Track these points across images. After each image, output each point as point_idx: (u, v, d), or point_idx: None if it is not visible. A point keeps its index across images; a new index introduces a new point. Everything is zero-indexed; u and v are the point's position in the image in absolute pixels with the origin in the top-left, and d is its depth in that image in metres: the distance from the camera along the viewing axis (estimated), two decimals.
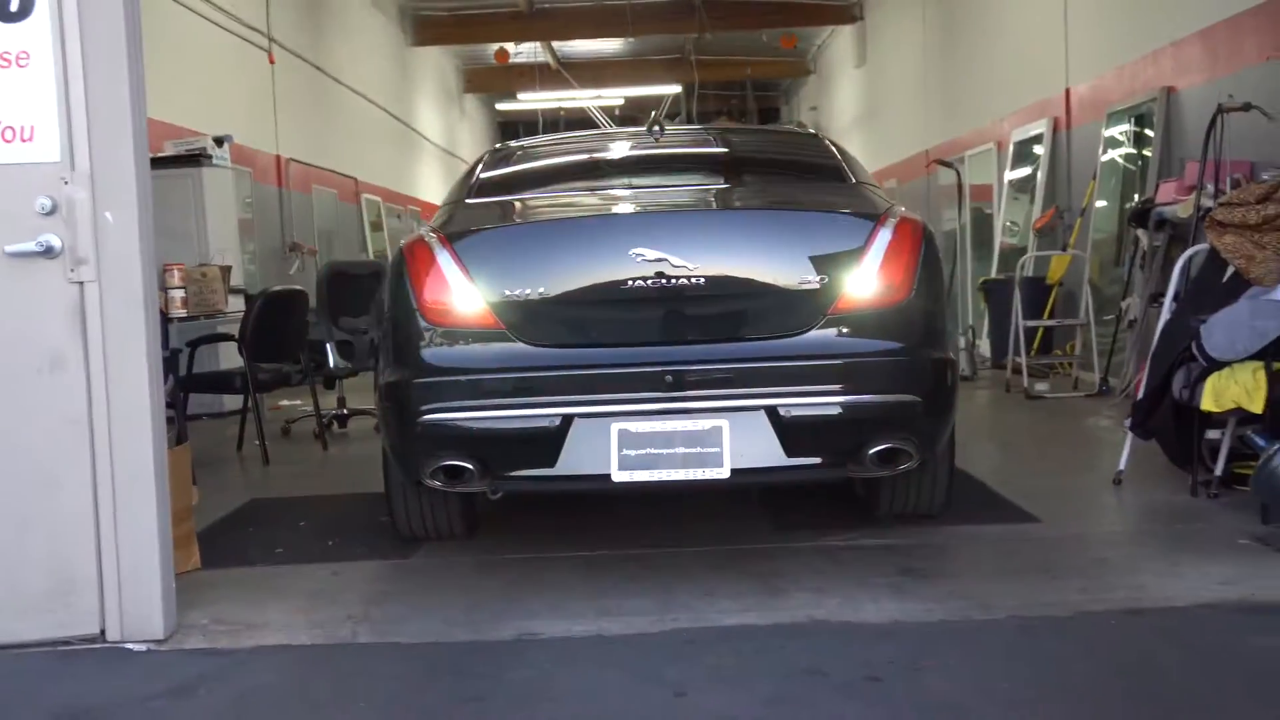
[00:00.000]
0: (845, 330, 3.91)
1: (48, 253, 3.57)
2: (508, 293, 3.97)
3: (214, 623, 3.74)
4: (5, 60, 3.60)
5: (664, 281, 3.88)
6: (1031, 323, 8.93)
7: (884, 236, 3.97)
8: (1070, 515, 4.78)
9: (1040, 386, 8.53)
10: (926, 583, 3.89)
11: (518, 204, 4.64)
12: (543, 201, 4.76)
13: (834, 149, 5.01)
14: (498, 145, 5.48)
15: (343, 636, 3.59)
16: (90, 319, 3.60)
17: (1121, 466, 5.21)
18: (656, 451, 3.86)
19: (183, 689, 3.21)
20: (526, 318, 3.96)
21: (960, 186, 10.91)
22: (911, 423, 3.90)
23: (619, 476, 3.85)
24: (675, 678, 3.12)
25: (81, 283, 3.59)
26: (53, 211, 3.57)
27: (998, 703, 2.90)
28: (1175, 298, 5.20)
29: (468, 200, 4.62)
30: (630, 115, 22.90)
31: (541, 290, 3.98)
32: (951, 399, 4.08)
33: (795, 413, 3.84)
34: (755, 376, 3.88)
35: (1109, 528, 4.69)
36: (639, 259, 3.89)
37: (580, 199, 4.72)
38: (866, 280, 3.94)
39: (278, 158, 11.92)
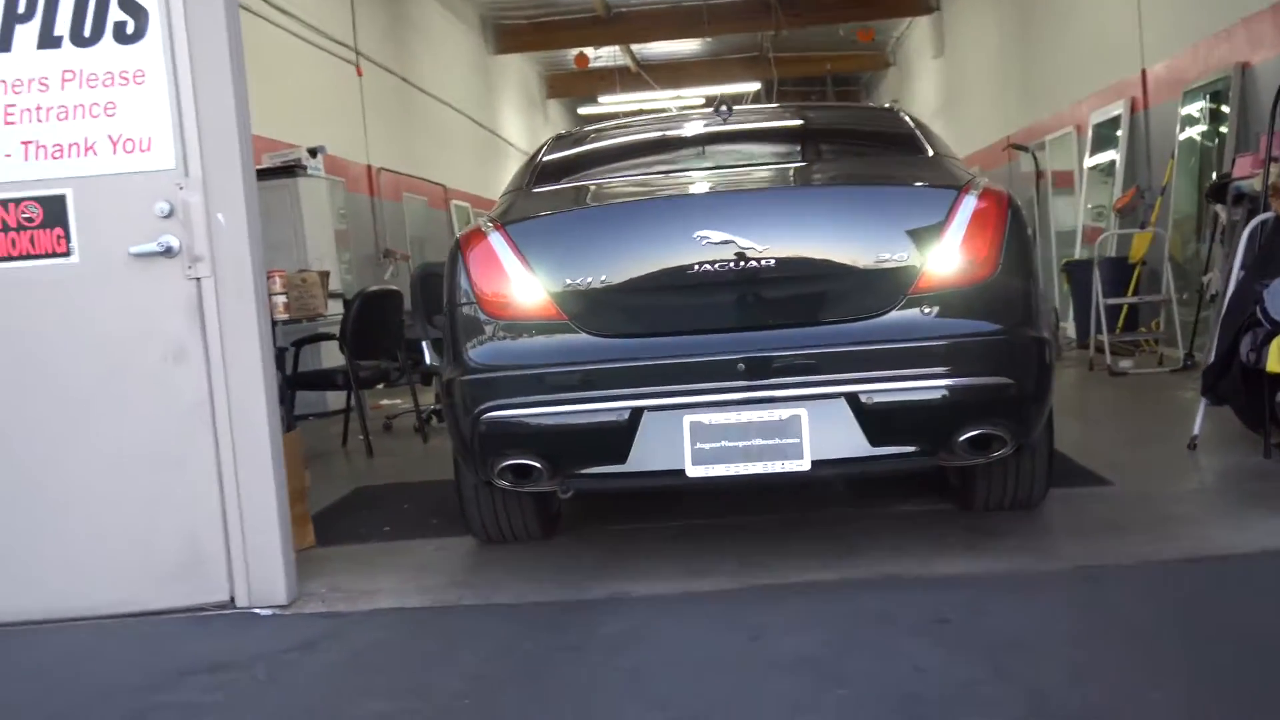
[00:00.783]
0: (928, 310, 3.70)
1: (167, 252, 3.91)
2: (569, 282, 3.84)
3: (331, 590, 4.05)
4: (124, 79, 3.94)
5: (731, 264, 3.72)
6: (1113, 300, 8.99)
7: (966, 209, 3.75)
8: (1143, 478, 4.91)
9: (1124, 364, 8.59)
10: (997, 540, 4.07)
11: (578, 189, 4.45)
12: (605, 186, 4.52)
13: (910, 122, 4.80)
14: (561, 132, 5.36)
15: (448, 600, 3.88)
16: (208, 312, 3.93)
17: (1196, 432, 5.32)
18: (732, 444, 3.70)
19: (308, 644, 3.51)
20: (589, 307, 3.82)
21: (1038, 170, 10.96)
22: (1004, 406, 3.70)
23: (693, 471, 3.72)
24: (753, 623, 3.35)
25: (198, 279, 3.93)
26: (170, 215, 3.91)
27: (1059, 639, 3.08)
28: (1243, 265, 5.30)
29: (528, 188, 4.48)
30: None
31: (604, 278, 3.84)
32: (1047, 380, 3.84)
33: (878, 399, 3.67)
34: (833, 361, 3.69)
35: (1180, 488, 4.81)
36: (704, 242, 3.73)
37: (644, 182, 4.52)
38: (949, 256, 3.73)
39: (369, 167, 12.34)
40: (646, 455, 3.75)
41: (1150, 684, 2.73)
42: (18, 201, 3.92)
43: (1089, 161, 11.40)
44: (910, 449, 3.79)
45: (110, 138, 3.92)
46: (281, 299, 7.12)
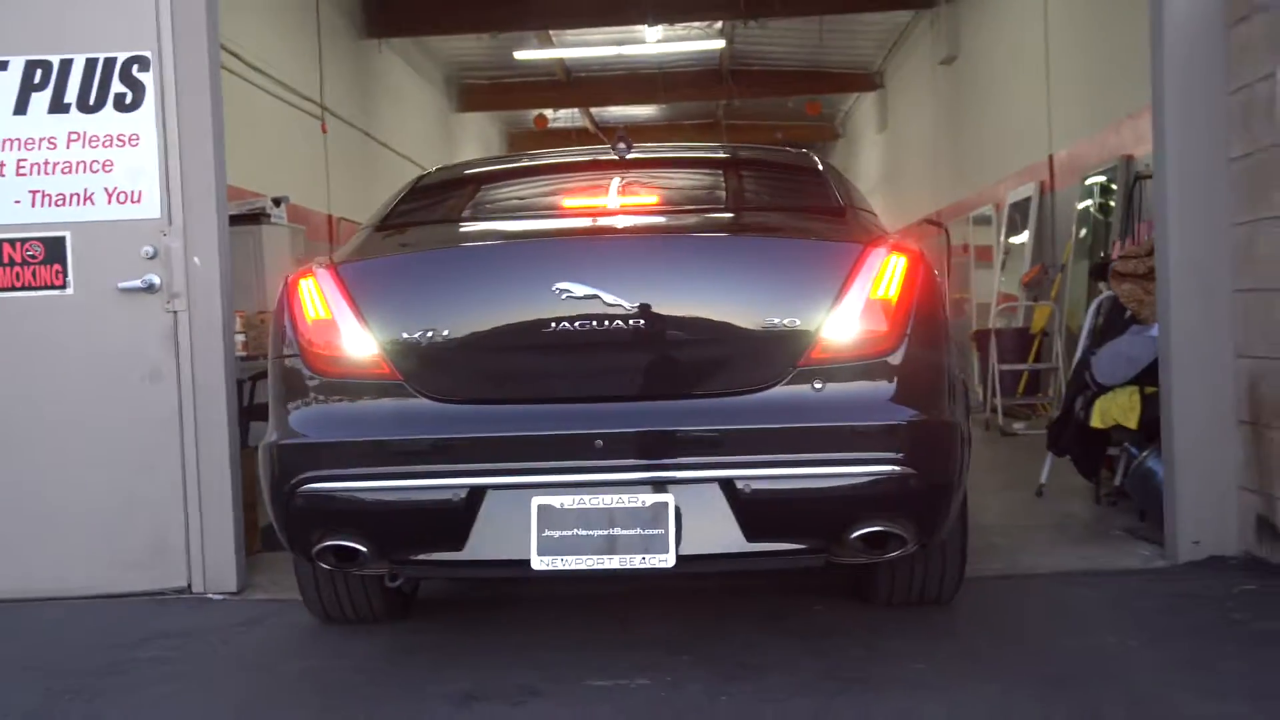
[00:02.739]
0: (819, 385, 3.29)
1: (150, 289, 4.66)
2: (405, 335, 3.40)
3: (272, 583, 4.77)
4: (121, 141, 4.71)
5: (594, 324, 3.29)
6: (1008, 367, 9.86)
7: (870, 269, 3.33)
8: (989, 517, 5.72)
9: (1017, 425, 9.44)
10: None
11: (427, 230, 4.01)
12: (460, 227, 4.05)
13: (822, 168, 4.30)
14: (433, 168, 4.77)
15: None
16: (181, 341, 4.68)
17: (1043, 480, 6.14)
18: (586, 533, 3.28)
19: (253, 621, 4.25)
20: (427, 366, 3.40)
21: (949, 245, 11.88)
22: (904, 500, 3.29)
23: (539, 564, 3.29)
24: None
25: (175, 312, 4.67)
26: (154, 256, 4.66)
27: (863, 624, 3.86)
28: (1089, 335, 6.14)
29: (377, 227, 4.02)
30: None
31: (446, 333, 3.40)
32: (956, 470, 3.44)
33: (756, 487, 3.26)
34: (708, 442, 3.30)
35: (1012, 524, 5.62)
36: (565, 295, 3.30)
37: (506, 224, 4.11)
38: (847, 323, 3.32)
39: (329, 216, 13.09)
40: (486, 542, 3.34)
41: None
42: (24, 241, 4.67)
43: (1007, 239, 12.35)
44: (794, 546, 3.39)
45: (106, 190, 4.68)
46: (240, 338, 7.82)
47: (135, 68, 4.69)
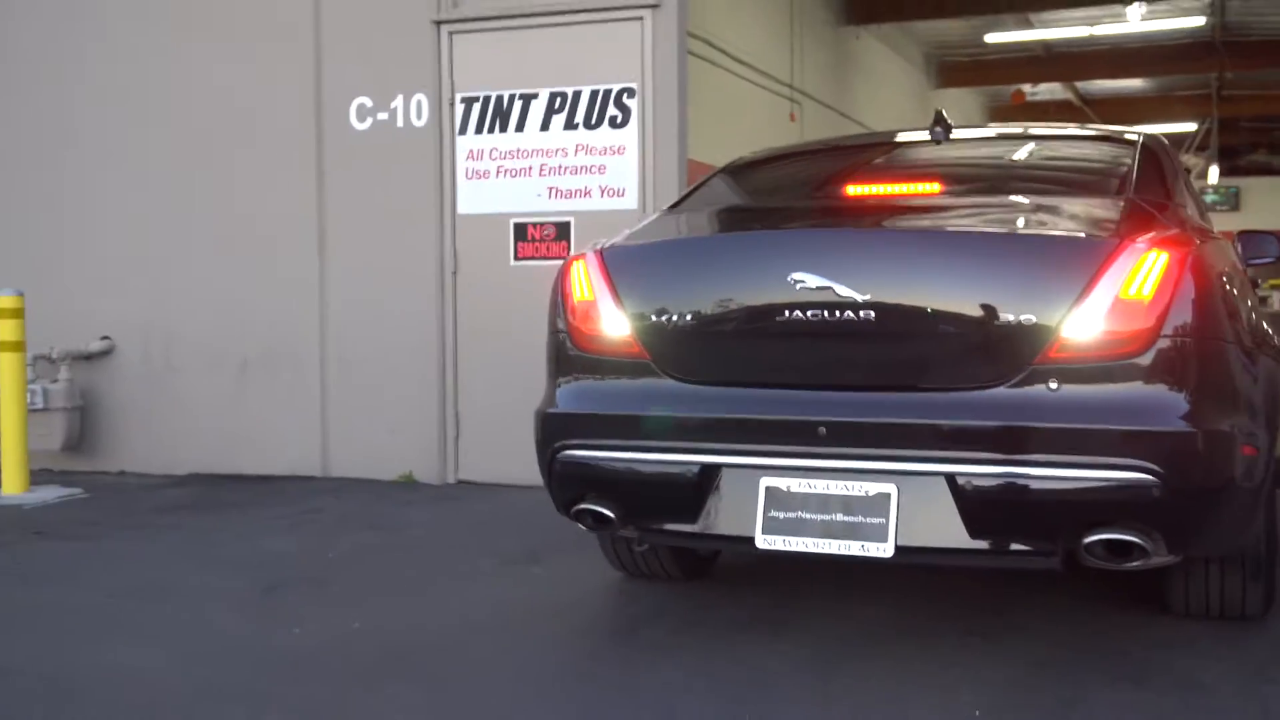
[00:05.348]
0: (1054, 385, 3.26)
1: None
2: (654, 319, 3.65)
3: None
4: (611, 151, 6.46)
5: (825, 314, 3.40)
6: None
7: (1121, 267, 3.26)
8: None
9: None
10: None
11: (695, 217, 4.21)
12: (723, 215, 4.24)
13: (1135, 156, 4.13)
14: (752, 154, 4.96)
15: None
16: None
17: None
18: (810, 516, 3.45)
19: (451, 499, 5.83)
20: (671, 348, 3.63)
21: None
22: (1141, 509, 3.22)
23: (763, 542, 3.49)
24: None
25: None
26: None
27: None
28: None
29: (667, 211, 4.37)
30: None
31: (689, 317, 3.62)
32: (1210, 482, 3.29)
33: (981, 483, 3.28)
34: (933, 435, 3.33)
35: None
36: (799, 285, 3.42)
37: (763, 213, 4.25)
38: (1089, 322, 3.26)
39: None
40: (717, 517, 3.58)
41: None
42: (542, 223, 6.53)
43: None
44: (1020, 546, 3.38)
45: (600, 187, 6.44)
46: None
47: (625, 95, 6.42)
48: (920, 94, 20.22)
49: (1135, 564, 3.33)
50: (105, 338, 7.57)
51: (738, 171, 4.73)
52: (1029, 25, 17.36)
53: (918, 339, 3.43)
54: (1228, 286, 3.62)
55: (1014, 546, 3.39)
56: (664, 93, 6.39)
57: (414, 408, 6.99)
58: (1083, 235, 3.50)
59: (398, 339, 6.94)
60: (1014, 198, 3.99)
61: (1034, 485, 3.27)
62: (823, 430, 3.43)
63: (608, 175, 6.44)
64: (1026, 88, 21.06)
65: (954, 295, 3.42)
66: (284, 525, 5.93)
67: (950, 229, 3.72)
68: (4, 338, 6.62)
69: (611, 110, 6.46)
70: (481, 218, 6.73)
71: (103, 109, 7.58)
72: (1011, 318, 3.32)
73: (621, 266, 3.78)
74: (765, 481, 3.51)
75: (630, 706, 3.37)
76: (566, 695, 3.54)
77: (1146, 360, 3.26)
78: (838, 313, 3.41)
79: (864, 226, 3.84)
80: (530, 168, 6.59)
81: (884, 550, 3.37)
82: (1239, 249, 4.89)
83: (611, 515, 3.71)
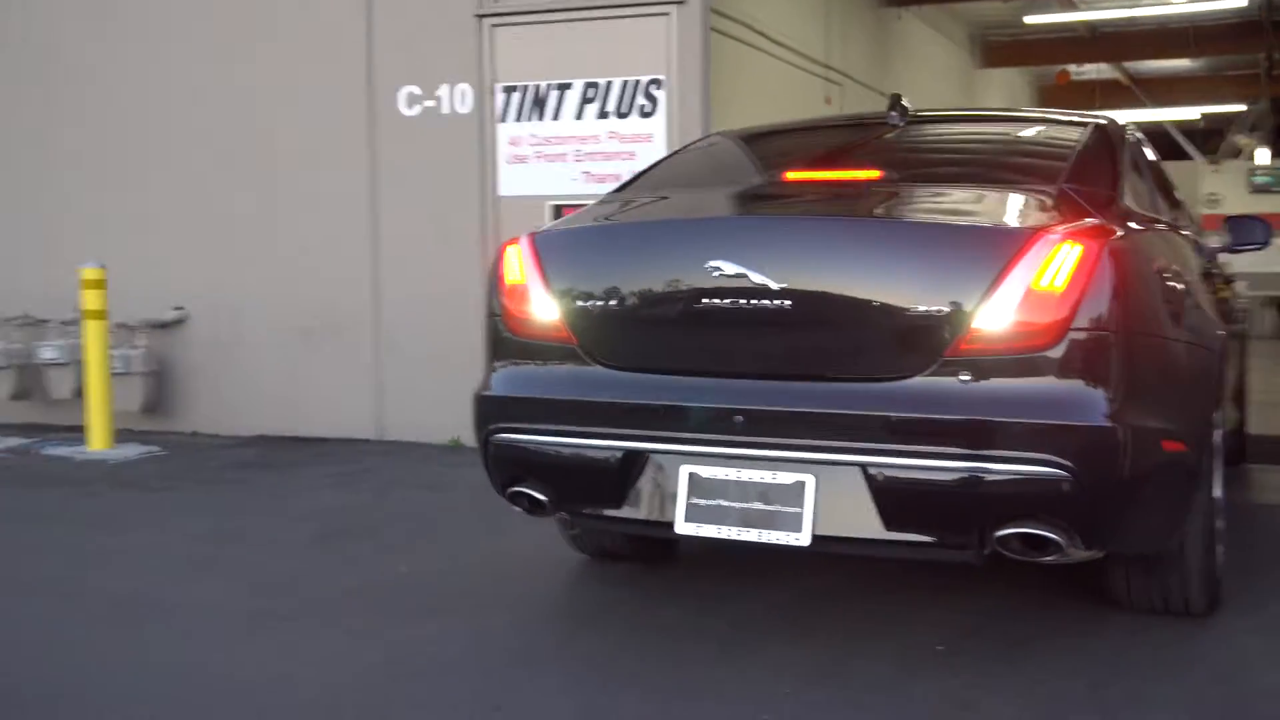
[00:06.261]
0: (966, 377, 3.26)
1: None
2: (579, 304, 3.72)
3: None
4: (640, 138, 7.04)
5: (743, 302, 3.45)
6: None
7: (1033, 259, 3.24)
8: None
9: None
10: None
11: (628, 202, 4.22)
12: (653, 201, 4.18)
13: (1080, 144, 4.14)
14: (713, 133, 5.11)
15: None
16: None
17: None
18: (729, 504, 3.50)
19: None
20: (597, 334, 3.71)
21: None
22: (1051, 503, 3.23)
23: (683, 528, 3.56)
24: None
25: None
26: None
27: None
28: None
29: (606, 196, 4.42)
30: (1212, 129, 23.99)
31: (612, 303, 3.68)
32: (1120, 478, 3.27)
33: (894, 475, 3.31)
34: (848, 426, 3.35)
35: None
36: (716, 273, 3.48)
37: (692, 200, 4.14)
38: (999, 314, 3.25)
39: None
40: (640, 502, 3.65)
41: None
42: (576, 205, 7.07)
43: None
44: (932, 538, 3.42)
45: (630, 172, 6.99)
46: None
47: (653, 86, 6.99)
48: (965, 74, 20.55)
49: (1051, 558, 3.34)
50: (179, 308, 8.25)
51: (693, 152, 4.90)
52: (1072, 6, 17.64)
53: (831, 328, 3.47)
54: (1159, 278, 3.65)
55: (926, 538, 3.42)
56: (689, 84, 6.94)
57: (460, 376, 7.52)
58: (995, 225, 3.51)
59: (444, 311, 7.56)
60: (945, 186, 4.01)
61: (944, 478, 3.28)
62: (739, 419, 3.47)
63: (637, 161, 7.00)
64: (1072, 68, 21.32)
65: (866, 285, 3.45)
66: (340, 482, 6.59)
67: (863, 217, 3.75)
68: (89, 306, 7.33)
69: (640, 100, 7.02)
70: (521, 199, 7.33)
71: (177, 99, 8.27)
72: (923, 308, 3.33)
73: (551, 251, 3.84)
74: (687, 468, 3.56)
75: (644, 632, 3.98)
76: (577, 628, 4.14)
77: (1058, 353, 3.24)
78: (754, 301, 3.45)
79: (780, 214, 3.90)
80: (565, 153, 7.18)
81: (800, 539, 3.42)
82: (1229, 236, 5.14)
83: (544, 499, 3.80)
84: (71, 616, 4.17)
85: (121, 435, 7.79)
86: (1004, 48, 20.64)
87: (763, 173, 4.55)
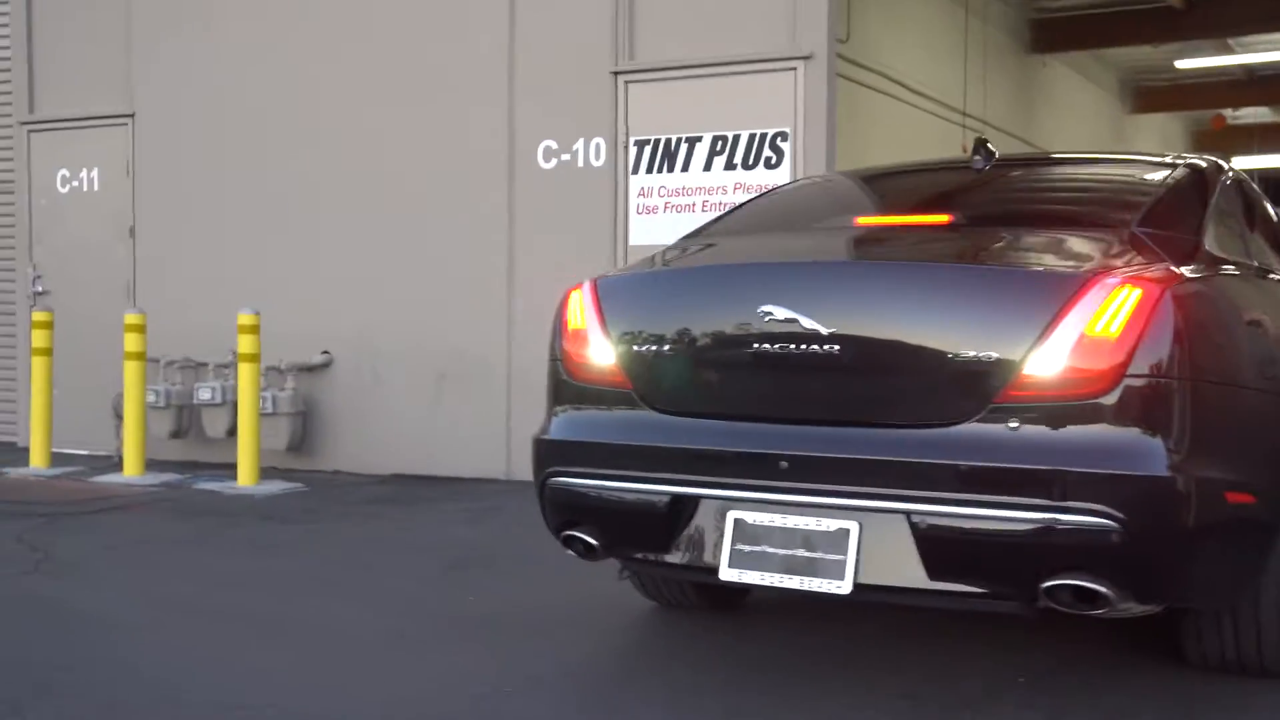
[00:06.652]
0: (1014, 425, 3.19)
1: None
2: (636, 348, 3.74)
3: None
4: (765, 188, 7.20)
5: (793, 347, 3.43)
6: None
7: (1089, 304, 3.18)
8: None
9: None
10: None
11: (691, 248, 4.23)
12: (716, 247, 4.18)
13: (1165, 186, 4.06)
14: (803, 177, 5.41)
15: None
16: None
17: None
18: (773, 550, 3.47)
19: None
20: (651, 379, 3.72)
21: None
22: (1105, 555, 3.13)
23: (726, 574, 3.53)
24: None
25: None
26: None
27: None
28: None
29: (676, 242, 4.43)
30: None
31: (667, 348, 3.70)
32: (1192, 530, 3.18)
33: (938, 523, 3.25)
34: (893, 473, 3.30)
35: None
36: (768, 318, 3.47)
37: (758, 245, 4.15)
38: (1051, 360, 3.18)
39: None
40: (688, 547, 3.65)
41: None
42: None
43: None
44: (978, 589, 3.34)
45: None
46: None
47: (779, 139, 7.19)
48: (1115, 121, 20.30)
49: (1102, 611, 3.23)
50: (325, 352, 8.69)
51: (777, 195, 4.94)
52: (1227, 50, 17.34)
53: (880, 374, 3.44)
54: (1237, 324, 3.59)
55: (971, 589, 3.34)
56: (813, 136, 7.12)
57: None
58: (1050, 269, 3.46)
59: None
60: (1012, 229, 3.87)
61: (990, 527, 3.21)
62: (784, 464, 3.44)
63: None
64: (1228, 112, 20.89)
65: (916, 329, 3.41)
66: (468, 518, 6.89)
67: (913, 261, 3.73)
68: (244, 350, 7.79)
69: (767, 152, 7.22)
70: (651, 248, 7.51)
71: (322, 153, 8.75)
72: (973, 354, 3.28)
73: (611, 296, 3.87)
74: (733, 514, 3.55)
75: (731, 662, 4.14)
76: (657, 661, 4.32)
77: (1111, 400, 3.16)
78: (804, 345, 3.44)
79: (831, 259, 3.89)
80: (694, 204, 7.41)
81: (841, 588, 3.37)
82: None
83: (595, 543, 3.80)
84: (216, 633, 4.50)
85: (268, 472, 8.21)
86: (1156, 93, 20.35)
87: (838, 216, 4.50)
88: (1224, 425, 3.37)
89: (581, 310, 3.89)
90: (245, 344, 7.80)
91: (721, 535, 3.56)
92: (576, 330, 3.89)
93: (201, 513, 7.08)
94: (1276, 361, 3.72)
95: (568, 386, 3.92)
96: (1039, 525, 3.16)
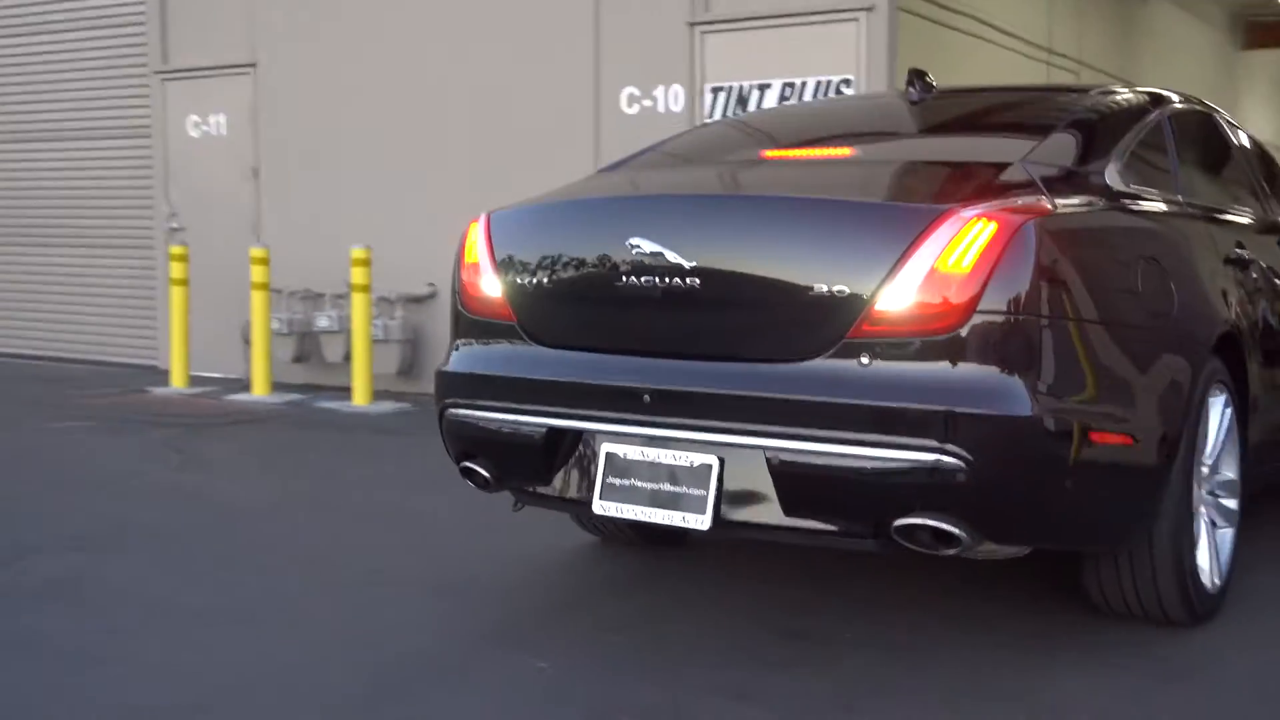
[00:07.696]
0: (866, 360, 3.17)
1: None
2: (520, 281, 3.78)
3: None
4: None
5: (658, 280, 3.44)
6: None
7: (940, 237, 3.13)
8: None
9: None
10: None
11: (583, 181, 4.34)
12: (604, 180, 4.25)
13: (1074, 116, 4.04)
14: (724, 115, 5.35)
15: None
16: None
17: None
18: (641, 484, 3.49)
19: None
20: (532, 312, 3.76)
21: None
22: (952, 495, 3.10)
23: (599, 507, 3.57)
24: None
25: None
26: None
27: None
28: None
29: (588, 178, 4.45)
30: None
31: (546, 281, 3.73)
32: (1048, 470, 3.17)
33: (789, 459, 3.23)
34: (750, 408, 3.29)
35: None
36: (635, 251, 3.48)
37: (645, 177, 4.17)
38: (901, 294, 3.15)
39: None
40: (566, 480, 3.70)
41: None
42: None
43: None
44: (831, 527, 3.33)
45: None
46: None
47: (843, 86, 7.84)
48: (1224, 58, 20.23)
49: (956, 551, 3.19)
50: (430, 284, 9.58)
51: (712, 127, 5.06)
52: None
53: (739, 308, 3.42)
54: (1112, 261, 3.52)
55: (825, 526, 3.33)
56: (876, 83, 7.75)
57: None
58: (904, 202, 3.46)
59: None
60: (907, 164, 3.90)
61: (839, 464, 3.18)
62: (647, 398, 3.45)
63: None
64: None
65: (773, 263, 3.39)
66: None
67: (771, 195, 3.68)
68: (356, 282, 8.71)
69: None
70: None
71: (427, 103, 9.59)
72: (827, 288, 3.23)
73: (500, 229, 3.93)
74: (605, 448, 3.57)
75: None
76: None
77: (961, 337, 3.10)
78: (669, 279, 3.43)
79: (704, 191, 3.90)
80: None
81: (702, 523, 3.38)
82: None
83: (488, 475, 3.86)
84: (340, 521, 5.46)
85: (380, 394, 9.11)
86: (1269, 28, 20.20)
87: (749, 149, 4.51)
88: (1095, 365, 3.33)
89: (474, 244, 3.96)
90: (358, 276, 8.71)
91: (595, 468, 3.59)
92: (471, 263, 3.95)
93: (321, 426, 8.06)
94: (1173, 300, 3.68)
95: (463, 319, 3.98)
96: (886, 464, 3.13)
